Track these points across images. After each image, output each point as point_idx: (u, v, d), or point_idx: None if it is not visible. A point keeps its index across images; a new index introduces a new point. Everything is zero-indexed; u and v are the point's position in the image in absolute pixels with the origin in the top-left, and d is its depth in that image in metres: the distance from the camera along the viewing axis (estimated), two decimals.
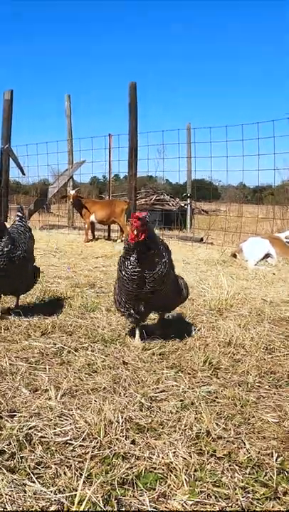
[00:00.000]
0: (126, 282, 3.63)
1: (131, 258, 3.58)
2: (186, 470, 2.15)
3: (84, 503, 1.79)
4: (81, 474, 2.06)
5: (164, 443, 2.37)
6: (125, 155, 11.56)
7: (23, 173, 12.63)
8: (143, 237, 3.45)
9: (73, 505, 1.81)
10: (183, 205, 15.08)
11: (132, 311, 3.81)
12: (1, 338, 3.84)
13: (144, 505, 1.94)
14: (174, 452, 2.28)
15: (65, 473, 2.10)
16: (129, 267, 3.57)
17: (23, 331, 4.01)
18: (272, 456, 2.31)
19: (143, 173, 12.45)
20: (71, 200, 10.64)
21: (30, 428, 2.42)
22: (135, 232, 3.42)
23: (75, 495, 1.87)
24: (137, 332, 3.96)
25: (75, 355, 3.51)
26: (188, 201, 13.28)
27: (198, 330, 4.21)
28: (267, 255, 8.32)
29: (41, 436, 2.38)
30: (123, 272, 3.62)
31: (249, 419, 2.73)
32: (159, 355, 3.64)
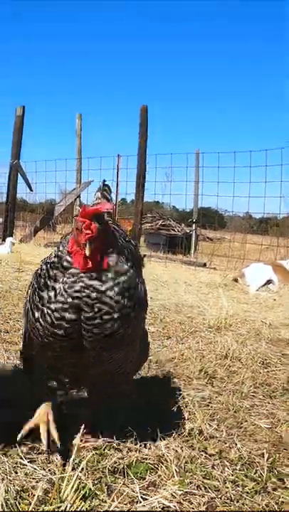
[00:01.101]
0: (45, 329, 2.01)
1: (60, 285, 1.99)
2: (177, 462, 2.19)
3: (73, 481, 1.82)
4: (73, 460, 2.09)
5: (160, 438, 2.40)
6: (133, 176, 11.67)
7: (31, 190, 12.79)
8: (104, 263, 2.00)
9: (63, 482, 1.83)
10: (188, 230, 15.20)
11: (52, 382, 2.28)
12: (1, 340, 3.88)
13: (134, 492, 1.97)
14: (166, 445, 2.32)
15: (56, 459, 2.14)
16: (56, 303, 1.97)
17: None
18: (263, 457, 2.35)
19: (150, 195, 12.56)
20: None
21: (25, 417, 2.45)
22: (87, 251, 1.93)
23: (65, 477, 1.90)
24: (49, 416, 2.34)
25: None
26: (194, 227, 13.40)
27: (196, 343, 4.25)
28: (269, 281, 8.37)
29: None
30: (43, 309, 2.01)
31: (242, 423, 2.77)
32: (156, 362, 3.68)
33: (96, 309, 1.93)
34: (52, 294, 1.97)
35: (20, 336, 3.98)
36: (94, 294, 1.94)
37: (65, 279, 1.97)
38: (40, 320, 2.00)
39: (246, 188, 10.03)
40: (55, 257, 2.06)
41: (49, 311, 1.96)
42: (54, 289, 1.98)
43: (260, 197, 10.19)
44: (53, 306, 1.95)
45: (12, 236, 11.80)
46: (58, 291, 1.97)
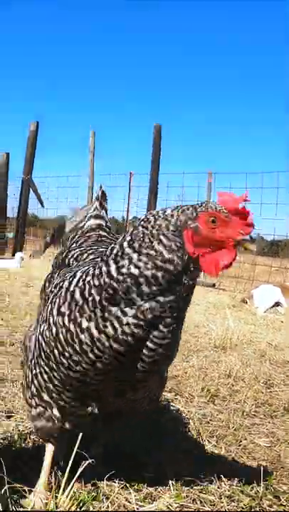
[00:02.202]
0: (104, 346, 1.68)
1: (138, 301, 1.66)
2: (175, 476, 2.21)
3: (69, 488, 1.84)
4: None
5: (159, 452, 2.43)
6: (144, 194, 11.73)
7: (42, 205, 12.86)
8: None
9: (59, 490, 1.85)
10: None
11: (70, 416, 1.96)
12: (6, 353, 3.94)
13: (129, 502, 2.00)
14: (165, 459, 2.35)
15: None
16: (124, 319, 1.66)
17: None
18: (260, 474, 2.36)
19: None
20: None
21: (25, 428, 2.50)
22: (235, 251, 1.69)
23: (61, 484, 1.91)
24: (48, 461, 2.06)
25: None
26: None
27: (200, 362, 4.26)
28: (277, 303, 8.37)
29: (34, 436, 2.45)
30: (94, 331, 1.69)
31: (241, 441, 2.80)
32: None
33: (171, 328, 1.70)
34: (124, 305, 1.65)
35: None
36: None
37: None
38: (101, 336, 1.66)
39: (257, 209, 10.02)
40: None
41: (119, 326, 1.65)
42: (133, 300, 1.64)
43: (270, 219, 10.19)
44: (126, 320, 1.65)
45: (22, 251, 11.88)
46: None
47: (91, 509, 1.89)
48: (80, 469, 1.82)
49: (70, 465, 1.81)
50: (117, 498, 2.00)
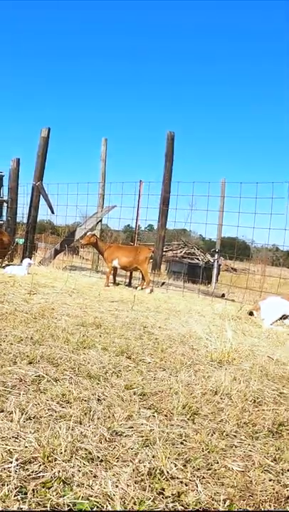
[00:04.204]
0: None
1: None
2: (124, 502, 2.09)
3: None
4: (19, 492, 2.02)
5: (113, 474, 2.31)
6: (154, 202, 11.66)
7: (52, 212, 12.81)
8: None
9: None
10: (212, 260, 15.06)
11: None
12: None
13: None
14: (115, 483, 2.22)
15: (1, 489, 2.07)
16: None
17: (11, 358, 4.02)
18: (224, 502, 2.23)
19: (171, 222, 12.44)
20: (84, 242, 10.75)
21: None
22: None
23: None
24: None
25: (53, 385, 3.49)
26: (216, 256, 13.26)
27: (189, 377, 4.13)
28: (285, 316, 8.17)
29: None
30: None
31: (212, 465, 2.65)
32: (140, 395, 3.58)
33: None
34: None
35: (8, 359, 3.96)
36: None
37: None
38: None
39: (267, 219, 9.85)
40: None
41: None
42: None
43: (280, 229, 9.99)
44: None
45: (31, 257, 11.85)
46: None
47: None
48: None
49: None
50: None
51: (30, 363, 3.98)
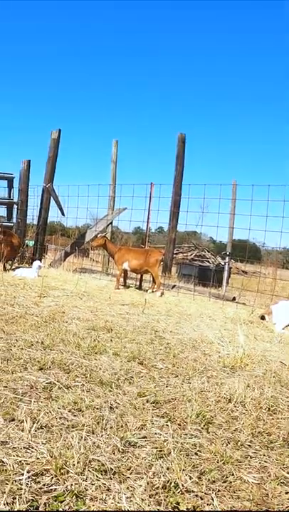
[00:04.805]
0: None
1: None
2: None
3: None
4: (30, 507, 1.97)
5: (127, 488, 2.26)
6: (165, 205, 11.61)
7: (63, 214, 12.76)
8: None
9: None
10: (222, 263, 15.01)
11: None
12: None
13: None
14: (129, 498, 2.16)
15: (13, 503, 2.02)
16: None
17: (22, 364, 3.97)
18: None
19: (182, 225, 12.38)
20: (95, 245, 10.71)
21: None
22: None
23: None
24: None
25: (65, 392, 3.44)
26: (227, 259, 13.19)
27: (202, 384, 4.07)
28: None
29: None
30: None
31: (227, 477, 2.59)
32: (153, 403, 3.52)
33: None
34: None
35: (19, 365, 3.91)
36: None
37: None
38: None
39: (278, 222, 9.76)
40: None
41: None
42: None
43: None
44: None
45: (41, 260, 11.81)
46: None
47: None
48: None
49: None
50: None
51: (41, 368, 3.93)
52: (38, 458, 2.42)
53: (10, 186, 12.89)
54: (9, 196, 12.87)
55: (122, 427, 3.00)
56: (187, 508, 2.20)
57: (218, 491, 2.42)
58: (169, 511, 2.16)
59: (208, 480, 2.50)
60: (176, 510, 2.18)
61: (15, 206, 13.01)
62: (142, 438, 2.88)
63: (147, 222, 11.29)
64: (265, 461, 2.84)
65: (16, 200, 12.95)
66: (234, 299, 10.57)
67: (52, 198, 12.67)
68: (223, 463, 2.72)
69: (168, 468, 2.52)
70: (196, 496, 2.33)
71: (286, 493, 2.52)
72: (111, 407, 3.30)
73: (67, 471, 2.34)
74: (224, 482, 2.53)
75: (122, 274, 10.34)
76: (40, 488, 2.18)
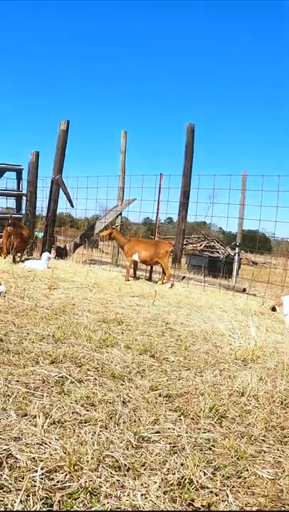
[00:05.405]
0: None
1: None
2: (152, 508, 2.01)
3: None
4: (44, 504, 1.96)
5: (141, 484, 2.24)
6: (174, 196, 11.53)
7: (72, 205, 12.72)
8: None
9: None
10: (232, 253, 14.92)
11: None
12: (8, 362, 3.79)
13: None
14: (144, 495, 2.14)
15: (26, 501, 2.01)
16: None
17: (33, 358, 3.96)
18: None
19: (191, 216, 12.30)
20: (104, 235, 10.70)
21: (3, 450, 2.34)
22: None
23: None
24: None
25: (77, 386, 3.42)
26: (237, 250, 13.11)
27: (214, 377, 4.04)
28: None
29: (13, 460, 2.29)
30: None
31: (242, 472, 2.56)
32: (166, 396, 3.50)
33: None
34: None
35: (31, 358, 3.90)
36: None
37: None
38: None
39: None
40: None
41: None
42: None
43: None
44: None
45: (50, 251, 11.79)
46: None
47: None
48: None
49: None
50: None
51: (53, 362, 3.92)
52: (51, 454, 2.41)
53: (19, 178, 12.87)
54: (18, 188, 12.85)
55: (135, 421, 2.98)
56: (202, 505, 2.17)
57: (233, 487, 2.40)
58: (184, 509, 2.14)
59: (223, 476, 2.48)
60: (192, 506, 2.16)
61: (24, 198, 13.00)
62: (156, 433, 2.85)
63: (157, 213, 11.23)
64: (280, 456, 2.82)
65: (24, 191, 12.94)
66: (244, 290, 10.52)
67: (61, 190, 12.64)
68: (237, 458, 2.70)
69: (182, 464, 2.50)
70: (211, 492, 2.31)
71: None
72: (124, 402, 3.28)
73: (81, 468, 2.32)
74: (239, 478, 2.50)
75: (132, 266, 10.31)
76: (54, 485, 2.17)
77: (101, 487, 2.19)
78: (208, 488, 2.34)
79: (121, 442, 2.65)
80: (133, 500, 2.11)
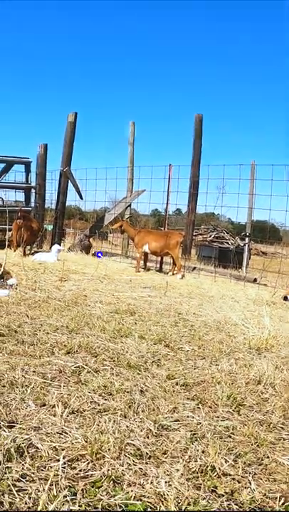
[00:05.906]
0: None
1: None
2: (178, 502, 2.00)
3: None
4: (68, 493, 1.95)
5: (164, 472, 2.23)
6: (184, 186, 11.49)
7: (81, 197, 12.69)
8: None
9: None
10: (242, 244, 14.89)
11: None
12: (23, 353, 3.79)
13: None
14: (168, 482, 2.13)
15: (50, 490, 2.00)
16: None
17: (48, 348, 3.95)
18: (279, 500, 2.13)
19: (201, 206, 12.26)
20: (114, 227, 10.70)
21: (24, 440, 2.33)
22: None
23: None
24: None
25: (94, 376, 3.42)
26: (247, 240, 13.09)
27: (230, 366, 4.03)
28: None
29: (34, 450, 2.29)
30: None
31: (262, 459, 2.55)
32: (183, 385, 3.49)
33: None
34: None
35: (46, 349, 3.90)
36: None
37: None
38: None
39: None
40: None
41: None
42: None
43: None
44: None
45: (60, 243, 11.78)
46: None
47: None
48: None
49: None
50: None
51: (69, 352, 3.91)
52: (72, 443, 2.40)
53: (27, 171, 12.84)
54: (26, 181, 12.82)
55: (153, 410, 2.97)
56: (225, 492, 2.16)
57: (255, 474, 2.39)
58: (208, 495, 2.13)
59: (244, 463, 2.47)
60: (215, 493, 2.15)
61: (32, 190, 12.98)
62: (175, 421, 2.85)
63: (166, 204, 11.21)
64: None
65: (33, 184, 12.92)
66: (255, 280, 10.49)
67: (70, 182, 12.62)
68: (257, 445, 2.69)
69: (203, 452, 2.49)
70: (233, 479, 2.30)
71: None
72: (141, 391, 3.27)
73: (103, 456, 2.31)
74: (260, 465, 2.49)
75: (142, 257, 10.29)
76: (77, 474, 2.16)
77: (124, 475, 2.18)
78: (230, 475, 2.33)
79: (141, 431, 2.64)
80: (157, 487, 2.10)
